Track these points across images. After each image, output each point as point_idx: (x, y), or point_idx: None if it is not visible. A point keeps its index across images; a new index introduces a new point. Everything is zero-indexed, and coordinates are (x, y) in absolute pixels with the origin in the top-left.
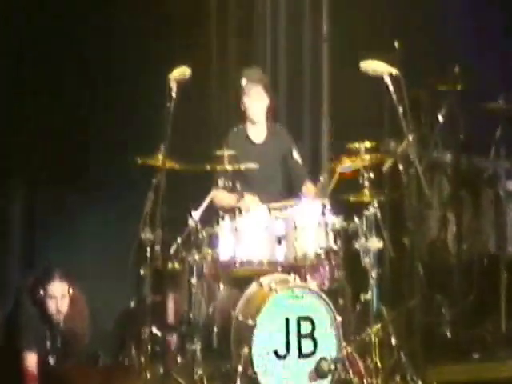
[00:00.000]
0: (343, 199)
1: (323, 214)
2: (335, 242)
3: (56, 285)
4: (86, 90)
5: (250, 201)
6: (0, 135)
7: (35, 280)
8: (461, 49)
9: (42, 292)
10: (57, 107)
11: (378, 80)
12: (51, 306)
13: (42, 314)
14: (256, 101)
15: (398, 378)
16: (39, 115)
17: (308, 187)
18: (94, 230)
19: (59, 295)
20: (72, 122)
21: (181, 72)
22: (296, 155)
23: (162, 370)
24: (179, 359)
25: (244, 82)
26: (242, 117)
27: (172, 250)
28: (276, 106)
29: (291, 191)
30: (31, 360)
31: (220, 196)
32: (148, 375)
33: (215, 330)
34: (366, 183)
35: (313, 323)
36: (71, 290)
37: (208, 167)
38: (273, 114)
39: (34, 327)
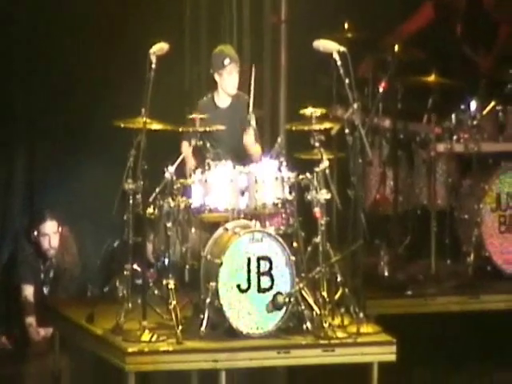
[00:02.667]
0: (297, 157)
1: (280, 169)
2: (290, 193)
3: (48, 224)
4: (78, 59)
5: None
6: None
7: (30, 221)
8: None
9: (35, 232)
10: (52, 72)
11: (328, 56)
12: (44, 243)
13: (36, 251)
14: (234, 78)
15: (342, 310)
16: (34, 81)
17: (249, 135)
18: (85, 182)
19: (51, 232)
20: (67, 88)
21: (159, 47)
22: (253, 121)
23: (141, 301)
24: (156, 292)
25: (227, 61)
26: (213, 86)
27: (151, 199)
28: (242, 77)
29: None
30: (28, 291)
31: (189, 157)
32: (130, 305)
33: (187, 267)
34: (317, 144)
35: (270, 262)
36: (61, 229)
37: (182, 128)
38: (239, 84)
39: (29, 262)
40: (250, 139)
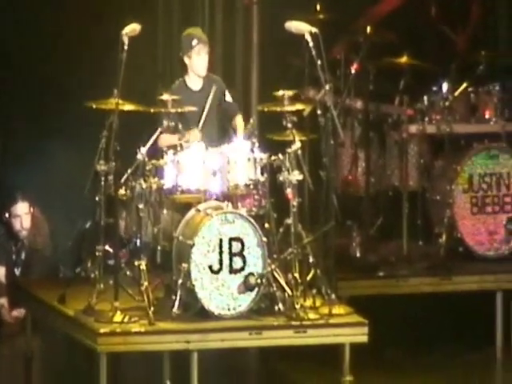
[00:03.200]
0: (269, 138)
1: (252, 150)
2: (262, 174)
3: (19, 205)
4: (51, 39)
5: (195, 134)
6: None
7: (1, 203)
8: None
9: (7, 213)
10: (23, 54)
11: (300, 37)
12: (16, 224)
13: (8, 232)
14: (203, 59)
15: (314, 291)
16: (4, 63)
17: (238, 119)
18: (57, 163)
19: (22, 214)
20: (39, 69)
21: (132, 28)
22: (228, 97)
23: (113, 282)
24: (128, 272)
25: (195, 42)
26: (184, 69)
27: (123, 180)
28: (213, 58)
29: (224, 131)
30: (0, 272)
31: (164, 137)
32: (102, 286)
33: (159, 248)
34: (289, 125)
35: (242, 243)
36: (32, 210)
37: (154, 109)
38: (210, 66)
39: (1, 244)
40: (239, 121)
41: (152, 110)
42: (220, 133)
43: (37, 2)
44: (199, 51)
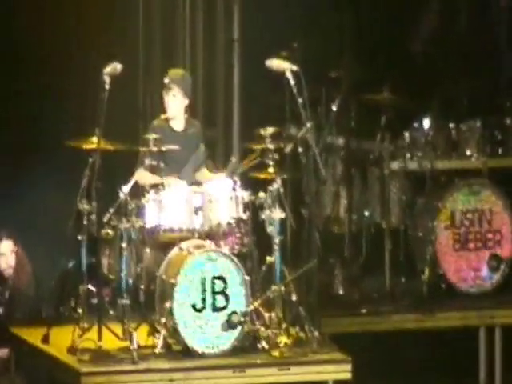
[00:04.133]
0: (251, 176)
1: (234, 189)
2: (244, 212)
3: (4, 243)
4: (33, 76)
5: (172, 181)
6: None
7: None
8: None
9: None
10: (4, 88)
11: (281, 75)
12: (2, 263)
13: None
14: (172, 100)
15: (297, 328)
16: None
17: (201, 172)
18: (38, 202)
19: (8, 252)
20: (20, 105)
21: (113, 67)
22: (201, 147)
23: (96, 321)
24: (111, 312)
25: (166, 80)
26: (165, 108)
27: (105, 219)
28: (194, 101)
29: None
30: None
31: (144, 176)
32: (85, 325)
33: (142, 287)
34: (271, 163)
35: (225, 282)
36: (16, 248)
37: (136, 148)
38: (191, 110)
39: None
40: (202, 175)
41: (134, 149)
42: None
43: (15, 37)
44: (168, 91)
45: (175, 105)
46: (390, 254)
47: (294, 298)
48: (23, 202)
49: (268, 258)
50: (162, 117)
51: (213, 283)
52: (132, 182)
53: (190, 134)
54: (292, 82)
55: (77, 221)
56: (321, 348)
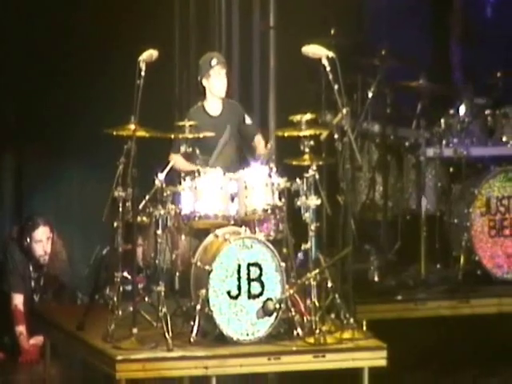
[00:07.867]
0: (287, 163)
1: (270, 175)
2: (280, 199)
3: (41, 230)
4: (69, 65)
5: (207, 169)
6: None
7: (21, 229)
8: (387, 32)
9: (28, 239)
10: (40, 79)
11: (317, 62)
12: (38, 249)
13: (28, 259)
14: (222, 79)
15: (332, 315)
16: (22, 88)
17: (257, 138)
18: (75, 189)
19: (45, 238)
20: (57, 94)
21: (149, 54)
22: (248, 120)
23: (131, 308)
24: (146, 299)
25: (214, 62)
26: (202, 93)
27: (141, 206)
28: (231, 84)
29: (242, 156)
30: (18, 299)
31: (180, 162)
32: (120, 312)
33: (177, 274)
34: (307, 150)
35: (261, 268)
36: (52, 234)
37: (172, 135)
38: (228, 92)
39: (20, 271)
40: (261, 146)
41: (170, 136)
42: (238, 157)
43: (52, 27)
44: (218, 71)
45: (224, 84)
46: (426, 241)
47: (329, 284)
48: (59, 190)
49: (303, 245)
50: (199, 103)
51: (248, 270)
52: (167, 169)
53: (228, 117)
54: (328, 68)
55: (112, 208)
56: (356, 335)
